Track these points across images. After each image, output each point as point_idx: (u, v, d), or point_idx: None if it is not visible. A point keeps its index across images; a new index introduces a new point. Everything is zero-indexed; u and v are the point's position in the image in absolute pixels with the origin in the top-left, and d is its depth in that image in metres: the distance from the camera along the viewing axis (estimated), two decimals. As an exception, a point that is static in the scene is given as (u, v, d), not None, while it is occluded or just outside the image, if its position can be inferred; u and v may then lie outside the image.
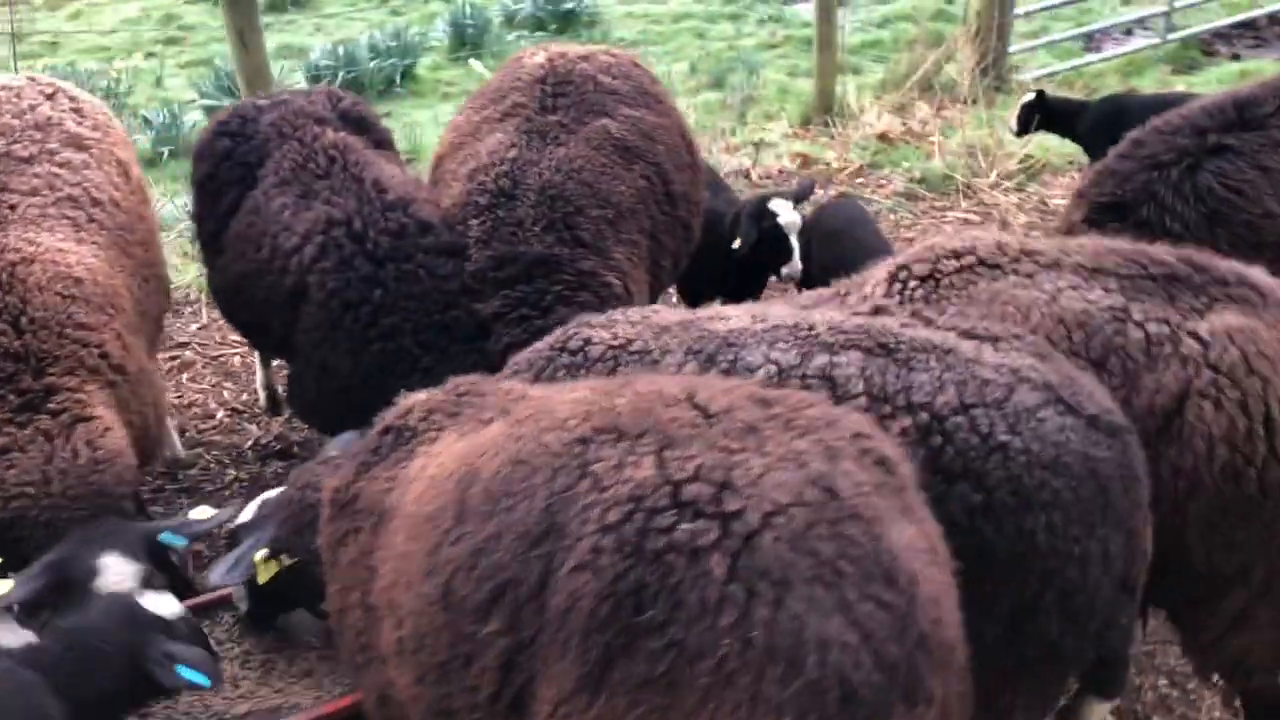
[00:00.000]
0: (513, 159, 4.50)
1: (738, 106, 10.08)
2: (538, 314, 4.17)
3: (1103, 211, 4.18)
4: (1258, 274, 3.04)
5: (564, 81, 4.81)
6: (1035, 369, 2.62)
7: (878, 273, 3.29)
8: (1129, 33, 11.73)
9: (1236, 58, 10.89)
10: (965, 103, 9.67)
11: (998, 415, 2.52)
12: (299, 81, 11.47)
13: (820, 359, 2.71)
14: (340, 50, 11.21)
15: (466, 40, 12.32)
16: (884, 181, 8.27)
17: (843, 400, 2.59)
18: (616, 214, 4.49)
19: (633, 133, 4.70)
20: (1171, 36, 10.93)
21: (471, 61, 12.29)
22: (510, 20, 13.00)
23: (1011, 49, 10.23)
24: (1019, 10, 10.45)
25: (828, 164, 8.34)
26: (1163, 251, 3.13)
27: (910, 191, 8.09)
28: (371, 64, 11.21)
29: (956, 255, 3.19)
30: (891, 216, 7.73)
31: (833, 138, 9.02)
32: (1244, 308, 2.89)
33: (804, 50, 12.07)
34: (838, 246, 5.23)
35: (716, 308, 3.51)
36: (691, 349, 2.89)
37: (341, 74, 10.92)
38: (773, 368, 2.75)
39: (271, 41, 9.11)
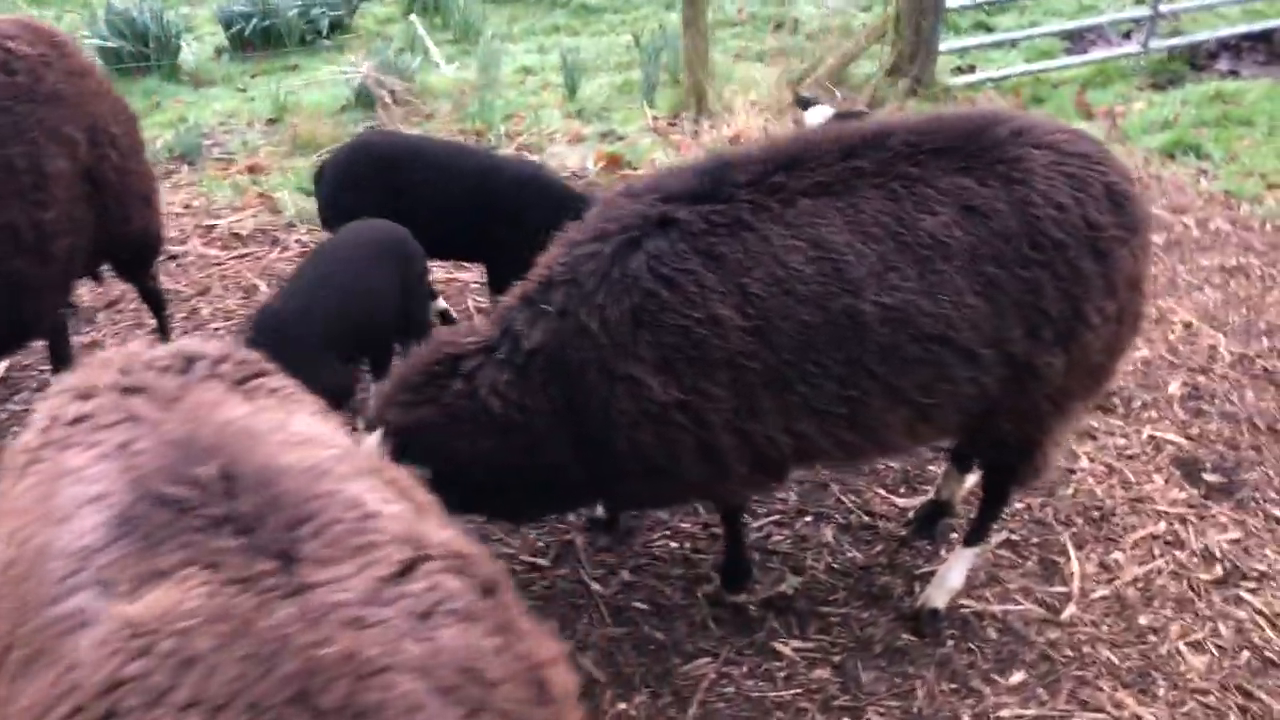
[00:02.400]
0: None
1: (644, 92, 9.20)
2: None
3: (541, 289, 3.34)
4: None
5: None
6: None
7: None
8: (1128, 35, 10.26)
9: (1234, 74, 9.35)
10: (871, 107, 8.56)
11: None
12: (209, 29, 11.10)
13: None
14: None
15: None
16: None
17: None
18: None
19: None
20: (1156, 45, 9.44)
21: (413, 17, 11.72)
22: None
23: (943, 46, 8.98)
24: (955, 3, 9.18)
25: (634, 168, 7.43)
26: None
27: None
28: (293, 12, 10.71)
29: None
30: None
31: (694, 136, 8.09)
32: None
33: (763, 32, 11.07)
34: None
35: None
36: None
37: (255, 21, 10.47)
38: None
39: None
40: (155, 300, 5.02)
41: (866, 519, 4.46)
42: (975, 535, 4.03)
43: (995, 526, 4.40)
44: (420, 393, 3.27)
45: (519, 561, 4.16)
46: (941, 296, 3.16)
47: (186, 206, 6.63)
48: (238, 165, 7.43)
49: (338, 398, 3.72)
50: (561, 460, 3.29)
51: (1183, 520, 4.50)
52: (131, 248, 4.48)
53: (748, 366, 3.13)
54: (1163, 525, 4.47)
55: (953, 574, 4.02)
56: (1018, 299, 3.23)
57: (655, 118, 8.55)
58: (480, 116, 8.98)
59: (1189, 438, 4.94)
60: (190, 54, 10.56)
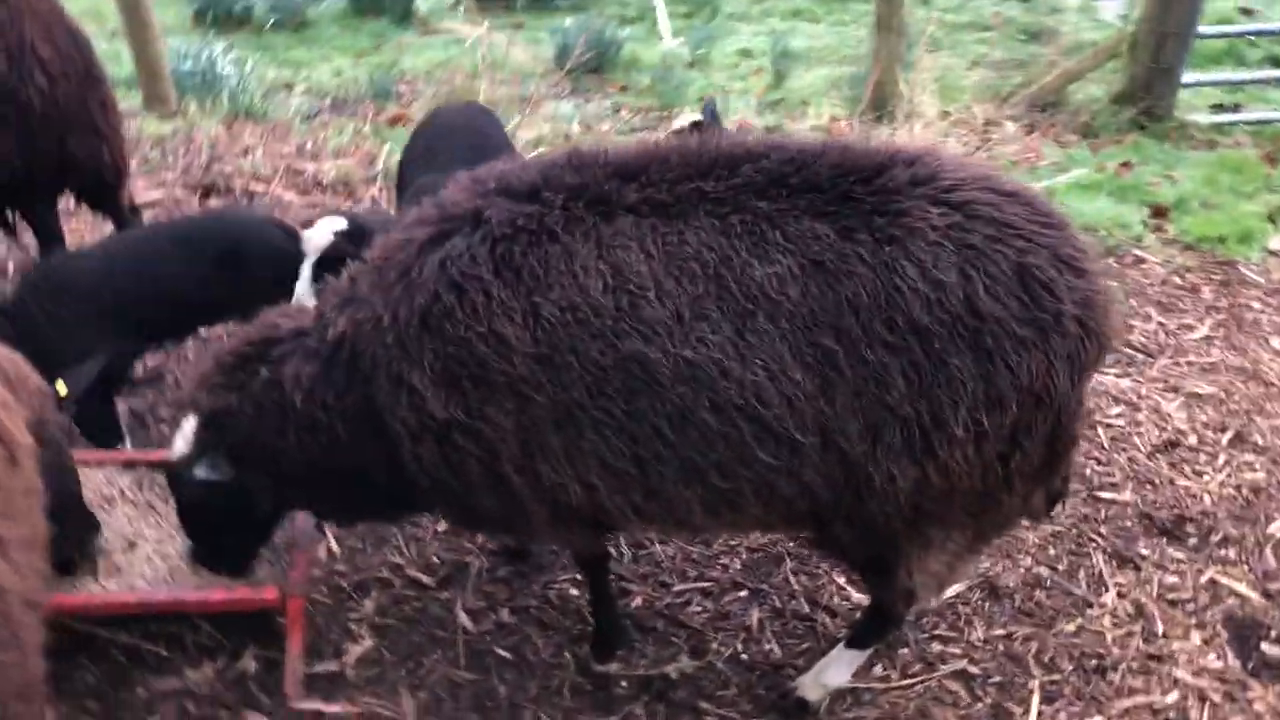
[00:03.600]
0: None
1: (851, 88, 8.53)
2: None
3: (362, 272, 3.00)
4: None
5: None
6: None
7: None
8: None
9: None
10: (1083, 136, 7.53)
11: None
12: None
13: None
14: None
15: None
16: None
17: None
18: None
19: None
20: None
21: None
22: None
23: (1187, 77, 7.71)
24: (1210, 28, 7.85)
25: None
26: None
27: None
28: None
29: None
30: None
31: (875, 136, 7.38)
32: None
33: (1015, 40, 10.02)
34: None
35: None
36: None
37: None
38: None
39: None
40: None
41: (806, 609, 3.81)
42: (857, 638, 3.34)
43: (956, 650, 3.67)
44: (230, 377, 3.02)
45: (402, 575, 3.83)
46: (756, 362, 2.54)
47: (299, 149, 6.71)
48: (385, 114, 7.47)
49: None
50: (367, 467, 2.96)
51: (1203, 697, 3.55)
52: (79, 177, 4.45)
53: (534, 398, 2.66)
54: (1173, 697, 3.54)
55: (831, 670, 3.35)
56: (858, 386, 2.56)
57: (833, 118, 7.88)
58: (672, 96, 8.65)
59: (1265, 594, 3.91)
60: (424, 3, 10.83)
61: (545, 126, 7.62)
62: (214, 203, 5.76)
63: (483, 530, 3.70)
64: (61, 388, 3.21)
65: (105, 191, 4.64)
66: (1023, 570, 4.00)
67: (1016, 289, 2.56)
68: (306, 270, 3.87)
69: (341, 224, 3.94)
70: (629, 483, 2.72)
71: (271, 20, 10.10)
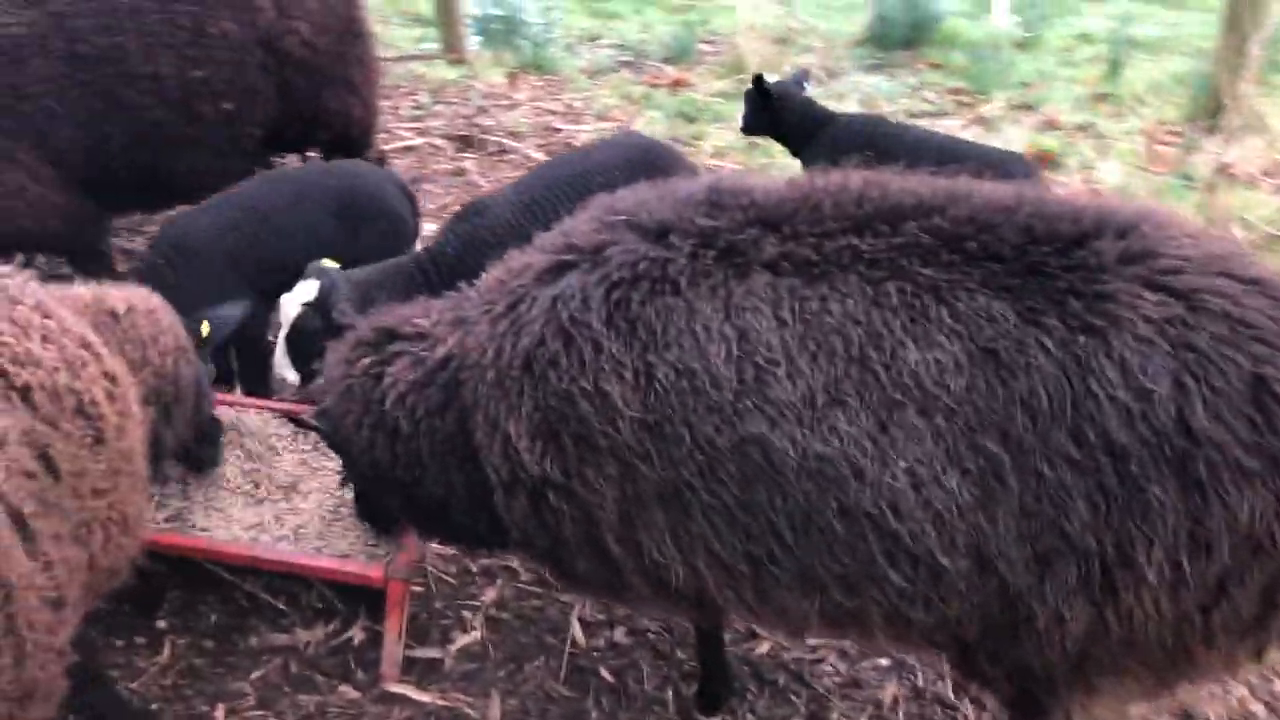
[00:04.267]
0: None
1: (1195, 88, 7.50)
2: None
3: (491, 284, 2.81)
4: None
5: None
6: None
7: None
8: None
9: None
10: None
11: None
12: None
13: None
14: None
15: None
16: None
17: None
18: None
19: None
20: None
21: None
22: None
23: None
24: None
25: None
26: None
27: None
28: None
29: None
30: None
31: (1185, 152, 6.44)
32: None
33: None
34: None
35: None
36: None
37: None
38: None
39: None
40: None
41: (951, 696, 3.32)
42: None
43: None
44: (354, 352, 2.95)
45: (530, 568, 3.70)
46: (901, 463, 2.11)
47: (567, 108, 6.66)
48: (665, 77, 7.31)
49: None
50: (446, 495, 2.79)
51: None
52: (329, 130, 4.53)
53: (639, 468, 2.33)
54: None
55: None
56: (1028, 505, 2.09)
57: (1160, 122, 6.95)
58: (987, 79, 7.94)
59: None
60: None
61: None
62: (470, 155, 5.83)
63: (580, 591, 3.44)
64: (205, 327, 3.28)
65: (351, 146, 4.73)
66: (1234, 703, 3.34)
67: (1247, 407, 2.02)
68: (281, 342, 3.70)
69: (311, 292, 3.62)
70: (740, 580, 2.36)
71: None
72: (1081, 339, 2.05)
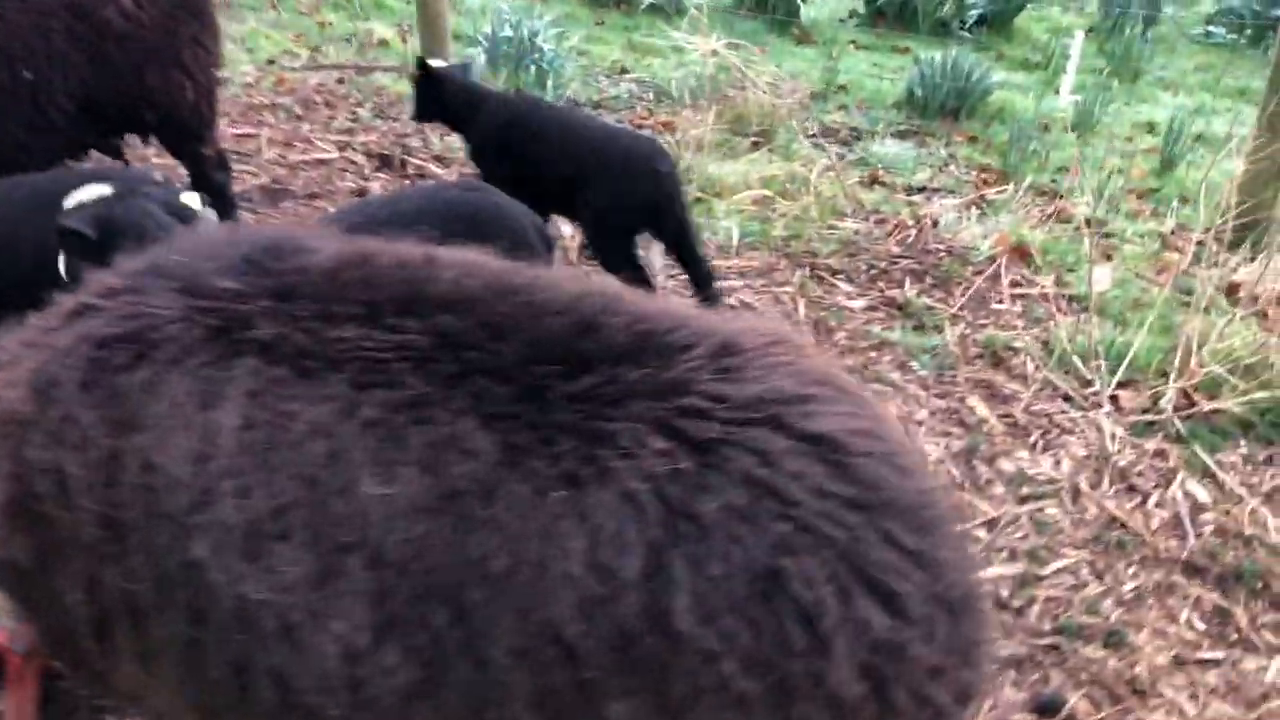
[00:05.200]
0: None
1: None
2: None
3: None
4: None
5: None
6: None
7: None
8: None
9: None
10: None
11: None
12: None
13: None
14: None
15: None
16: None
17: None
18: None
19: None
20: None
21: (1079, 33, 9.87)
22: None
23: None
24: None
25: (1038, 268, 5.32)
26: None
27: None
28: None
29: None
30: None
31: (1210, 266, 5.71)
32: None
33: None
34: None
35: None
36: None
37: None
38: None
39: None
40: (207, 186, 4.32)
41: None
42: None
43: None
44: None
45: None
46: (335, 626, 1.63)
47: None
48: (653, 118, 6.93)
49: None
50: None
51: None
52: (155, 109, 4.22)
53: (103, 573, 1.86)
54: None
55: None
56: (473, 703, 1.62)
57: (1181, 227, 6.25)
58: (1019, 162, 7.33)
59: None
60: (813, 11, 10.08)
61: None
62: (384, 175, 5.53)
63: None
64: None
65: (184, 136, 4.44)
66: None
67: (753, 608, 1.54)
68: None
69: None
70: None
71: (645, 3, 9.87)
72: (556, 492, 1.59)
